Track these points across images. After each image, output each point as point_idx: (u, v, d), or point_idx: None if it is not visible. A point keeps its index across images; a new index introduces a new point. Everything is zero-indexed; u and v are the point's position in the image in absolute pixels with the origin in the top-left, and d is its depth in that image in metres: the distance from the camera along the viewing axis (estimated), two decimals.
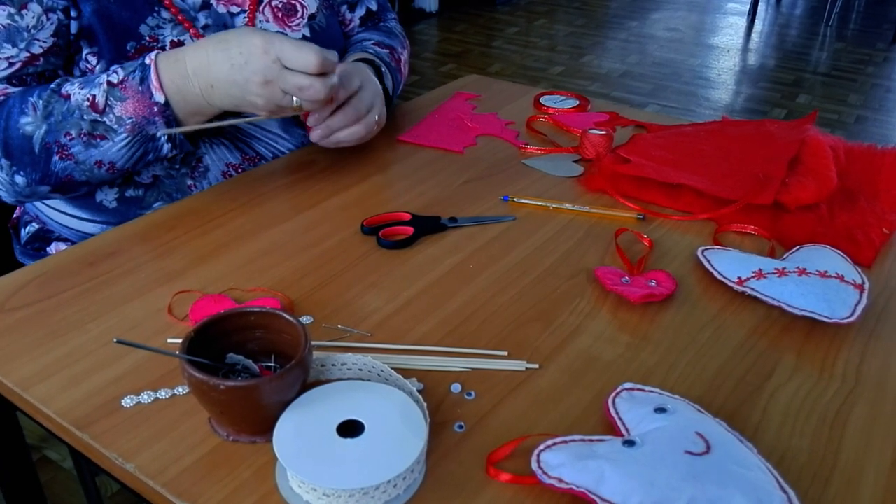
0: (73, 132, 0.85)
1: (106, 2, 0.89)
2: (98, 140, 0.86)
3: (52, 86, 0.86)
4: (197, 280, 0.77)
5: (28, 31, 0.86)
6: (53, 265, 0.80)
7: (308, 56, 0.81)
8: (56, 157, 0.86)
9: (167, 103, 0.85)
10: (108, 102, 0.85)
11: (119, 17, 0.90)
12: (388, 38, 1.17)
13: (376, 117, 0.97)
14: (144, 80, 0.85)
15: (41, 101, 0.85)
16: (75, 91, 0.85)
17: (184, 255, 0.82)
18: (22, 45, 0.87)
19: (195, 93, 0.85)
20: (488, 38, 4.42)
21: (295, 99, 0.84)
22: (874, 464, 0.58)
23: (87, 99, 0.85)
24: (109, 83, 0.85)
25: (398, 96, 1.19)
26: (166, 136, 0.88)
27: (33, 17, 0.86)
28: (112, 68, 0.87)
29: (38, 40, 0.87)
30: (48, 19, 0.87)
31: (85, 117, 0.85)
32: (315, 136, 0.94)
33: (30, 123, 0.85)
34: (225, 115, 0.91)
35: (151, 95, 0.85)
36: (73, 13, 0.89)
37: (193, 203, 0.92)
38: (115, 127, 0.85)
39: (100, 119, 0.85)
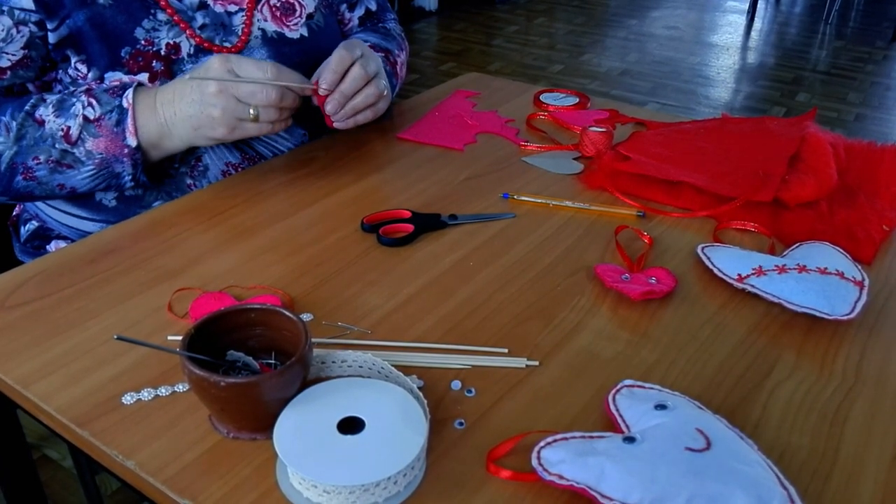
0: (42, 158, 0.86)
1: (100, 8, 0.89)
2: (65, 168, 0.87)
3: (27, 107, 0.87)
4: (197, 277, 0.77)
5: None
6: (53, 263, 0.80)
7: (261, 63, 0.85)
8: (20, 177, 0.88)
9: (138, 147, 0.87)
10: (82, 136, 0.86)
11: (114, 22, 0.90)
12: (385, 40, 1.17)
13: (384, 82, 0.97)
14: (121, 122, 0.86)
15: (14, 123, 0.86)
16: (50, 118, 0.86)
17: (184, 252, 0.82)
18: None
19: (160, 123, 0.87)
20: (488, 37, 4.42)
21: (251, 110, 0.85)
22: (874, 460, 0.58)
23: (62, 129, 0.86)
24: (86, 118, 0.86)
25: (397, 96, 1.19)
26: (130, 177, 0.89)
27: (2, 30, 0.86)
28: (88, 98, 0.87)
29: (7, 53, 0.87)
30: (18, 32, 0.87)
31: (56, 146, 0.86)
32: (331, 108, 0.93)
33: (1, 144, 0.86)
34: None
35: (125, 138, 0.86)
36: (49, 25, 0.88)
37: (193, 200, 0.92)
38: (84, 159, 0.87)
39: (70, 150, 0.86)
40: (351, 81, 0.92)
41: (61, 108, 0.87)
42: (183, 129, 0.87)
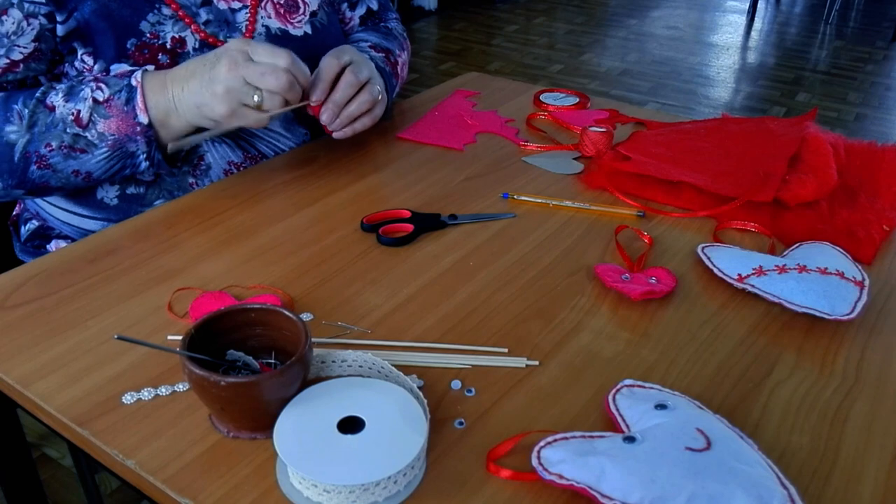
0: (55, 144, 0.86)
1: (105, 1, 0.89)
2: (78, 153, 0.87)
3: (38, 94, 0.87)
4: (197, 277, 0.77)
5: (7, 37, 0.86)
6: (53, 262, 0.80)
7: (279, 51, 0.83)
8: (34, 167, 0.87)
9: (150, 124, 0.86)
10: (92, 118, 0.86)
11: (119, 15, 0.90)
12: (386, 40, 1.17)
13: (378, 87, 0.97)
14: (130, 100, 0.86)
15: (26, 111, 0.86)
16: (60, 103, 0.86)
17: (184, 252, 0.82)
18: (1, 52, 0.87)
19: (168, 98, 0.86)
20: (488, 36, 4.42)
21: (255, 96, 0.83)
22: (874, 460, 0.58)
23: (72, 113, 0.86)
24: (95, 100, 0.86)
25: (396, 96, 1.19)
26: (145, 155, 0.89)
27: (13, 24, 0.86)
28: (97, 83, 0.87)
29: (19, 46, 0.87)
30: (29, 25, 0.87)
31: (68, 130, 0.86)
32: (326, 118, 0.93)
33: (14, 132, 0.86)
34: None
35: (136, 116, 0.86)
36: (58, 17, 0.88)
37: (194, 200, 0.92)
38: (97, 142, 0.87)
39: (82, 133, 0.86)
40: (343, 89, 0.92)
41: (71, 94, 0.87)
42: (187, 107, 0.86)
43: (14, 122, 0.85)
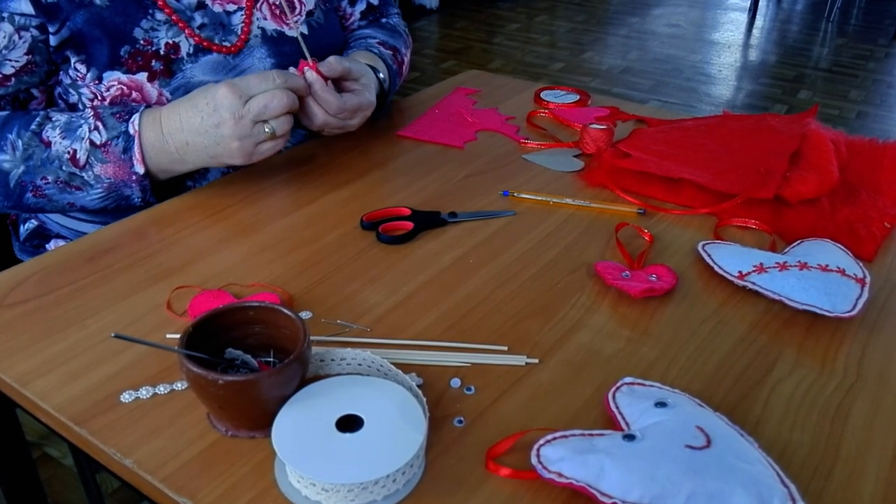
0: (50, 178, 0.86)
1: (97, 9, 0.89)
2: (73, 189, 0.87)
3: (34, 126, 0.86)
4: (196, 275, 0.77)
5: None
6: (52, 261, 0.79)
7: (265, 74, 0.84)
8: (29, 194, 0.88)
9: (146, 174, 0.87)
10: (89, 161, 0.86)
11: (112, 22, 0.89)
12: (393, 37, 1.17)
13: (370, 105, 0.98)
14: (128, 150, 0.85)
15: (21, 143, 0.86)
16: (56, 139, 0.86)
17: (182, 250, 0.81)
18: None
19: (170, 152, 0.86)
20: (489, 35, 4.41)
21: (266, 128, 0.83)
22: (875, 458, 0.57)
23: (68, 152, 0.86)
24: (92, 143, 0.85)
25: (397, 94, 1.19)
26: (140, 199, 0.89)
27: (4, 38, 0.86)
28: (95, 120, 0.86)
29: (10, 60, 0.87)
30: (20, 38, 0.86)
31: (63, 168, 0.86)
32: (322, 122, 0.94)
33: (7, 161, 0.86)
34: None
35: (132, 165, 0.86)
36: (50, 28, 0.88)
37: (192, 198, 0.92)
38: (93, 183, 0.87)
39: (78, 173, 0.86)
40: (346, 109, 0.93)
41: (68, 130, 0.86)
42: (198, 158, 0.87)
43: (7, 152, 0.85)
